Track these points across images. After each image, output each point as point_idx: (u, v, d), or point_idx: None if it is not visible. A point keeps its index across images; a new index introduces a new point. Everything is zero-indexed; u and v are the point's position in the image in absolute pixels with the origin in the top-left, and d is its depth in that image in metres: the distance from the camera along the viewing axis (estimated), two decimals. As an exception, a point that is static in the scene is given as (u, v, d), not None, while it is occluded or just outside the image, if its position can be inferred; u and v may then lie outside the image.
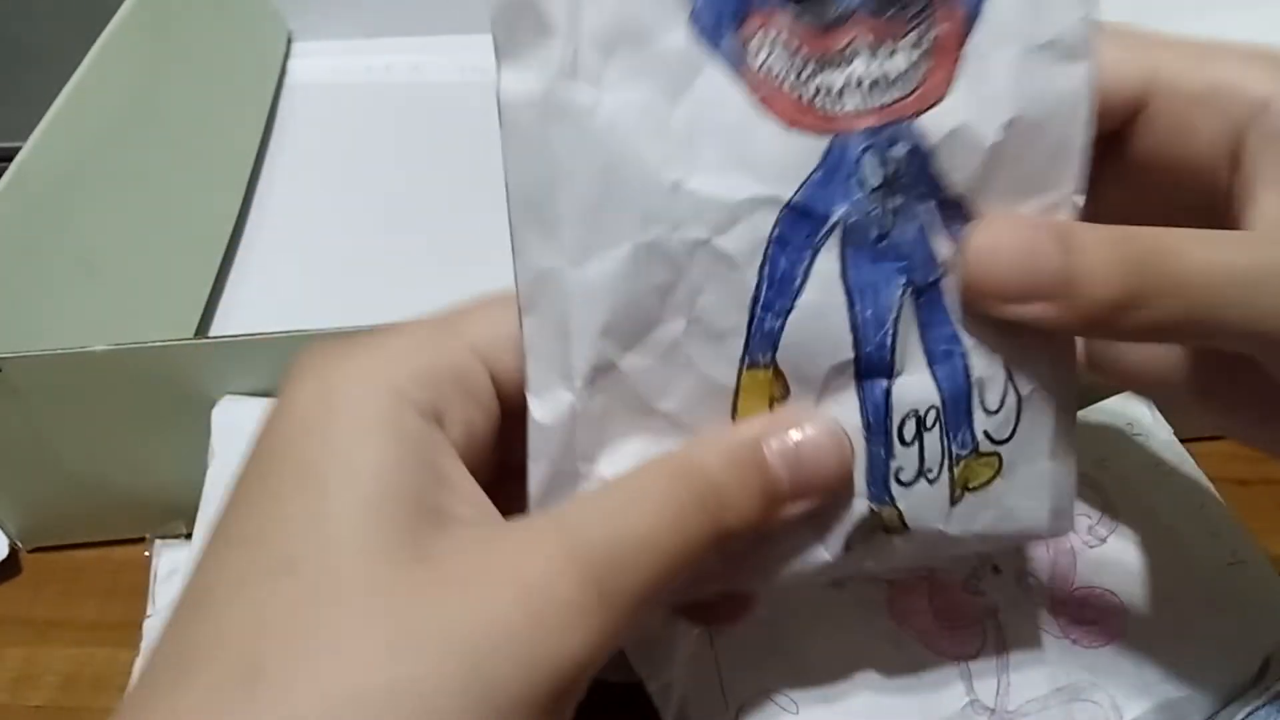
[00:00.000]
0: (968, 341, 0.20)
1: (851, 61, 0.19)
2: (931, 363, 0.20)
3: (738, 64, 0.18)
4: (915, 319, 0.20)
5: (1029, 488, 0.22)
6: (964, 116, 0.19)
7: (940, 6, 0.19)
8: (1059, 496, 0.22)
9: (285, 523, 0.17)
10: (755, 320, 0.19)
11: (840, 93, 0.19)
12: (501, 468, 0.20)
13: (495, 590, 0.16)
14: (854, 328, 0.20)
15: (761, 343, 0.20)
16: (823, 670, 0.26)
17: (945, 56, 0.19)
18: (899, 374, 0.20)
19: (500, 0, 0.18)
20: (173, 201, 0.46)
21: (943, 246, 0.20)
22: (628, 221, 0.19)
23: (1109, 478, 0.33)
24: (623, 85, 0.18)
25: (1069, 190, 0.20)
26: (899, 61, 0.19)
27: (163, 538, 0.34)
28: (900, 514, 0.21)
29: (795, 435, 0.19)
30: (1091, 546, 0.31)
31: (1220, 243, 0.19)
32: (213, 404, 0.33)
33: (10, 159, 0.37)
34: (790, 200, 0.19)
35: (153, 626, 0.32)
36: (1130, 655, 0.28)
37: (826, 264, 0.19)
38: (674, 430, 0.20)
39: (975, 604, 0.29)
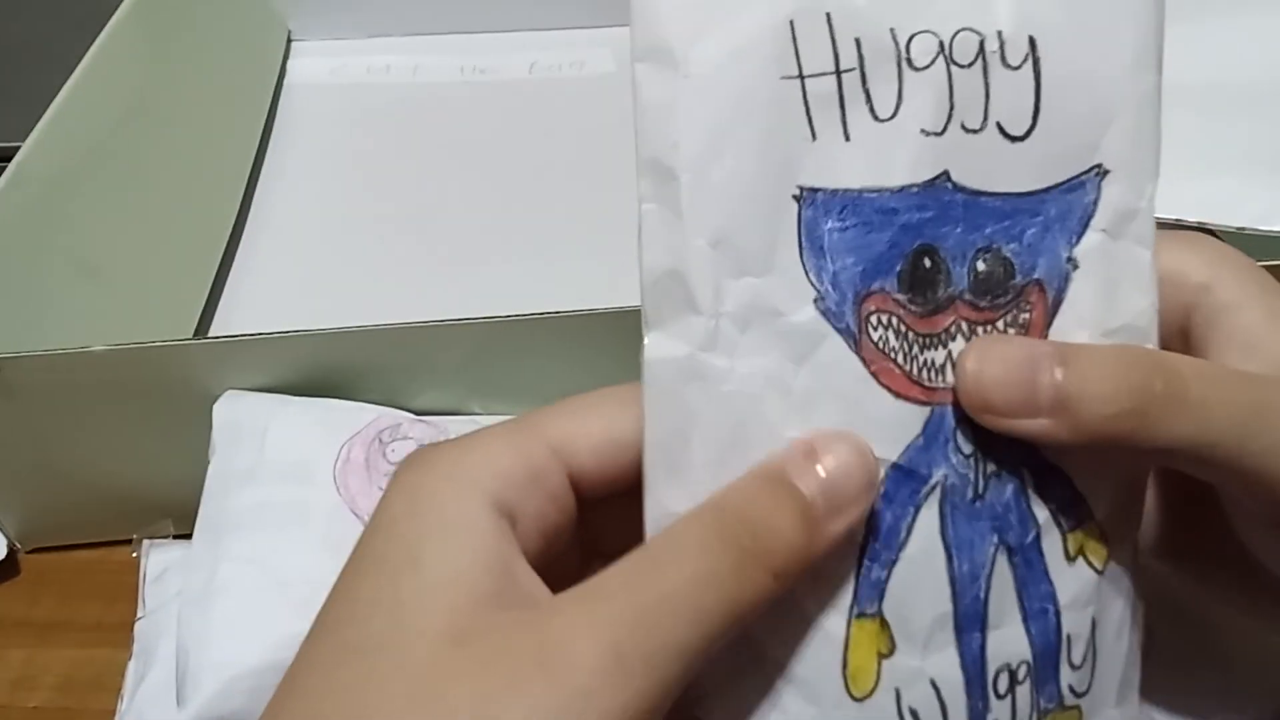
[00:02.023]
0: (1063, 599, 0.22)
1: (952, 341, 0.21)
2: (1026, 619, 0.22)
3: (856, 339, 0.21)
4: (1012, 575, 0.22)
5: None
6: None
7: (1030, 294, 0.21)
8: None
9: (365, 607, 0.19)
10: (863, 571, 0.21)
11: (942, 368, 0.21)
12: (583, 558, 0.22)
13: (523, 666, 0.17)
14: (952, 581, 0.21)
15: (869, 593, 0.21)
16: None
17: (1032, 337, 0.21)
18: (994, 628, 0.22)
19: (653, 277, 0.21)
20: (172, 201, 0.46)
21: (1039, 509, 0.22)
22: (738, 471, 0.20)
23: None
24: (753, 353, 0.20)
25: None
26: None
27: (151, 538, 0.34)
28: None
29: (817, 457, 0.20)
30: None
31: (1224, 373, 0.21)
32: (212, 404, 0.32)
33: (9, 159, 0.37)
34: (896, 461, 0.21)
35: (144, 629, 0.32)
36: (1155, 679, 0.28)
37: (927, 520, 0.21)
38: (785, 681, 0.21)
39: None
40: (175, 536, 0.35)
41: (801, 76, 0.20)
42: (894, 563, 0.21)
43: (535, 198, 0.52)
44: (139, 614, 0.32)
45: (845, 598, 0.21)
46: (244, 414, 0.32)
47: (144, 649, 0.31)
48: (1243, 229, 0.36)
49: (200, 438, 0.32)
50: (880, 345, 0.21)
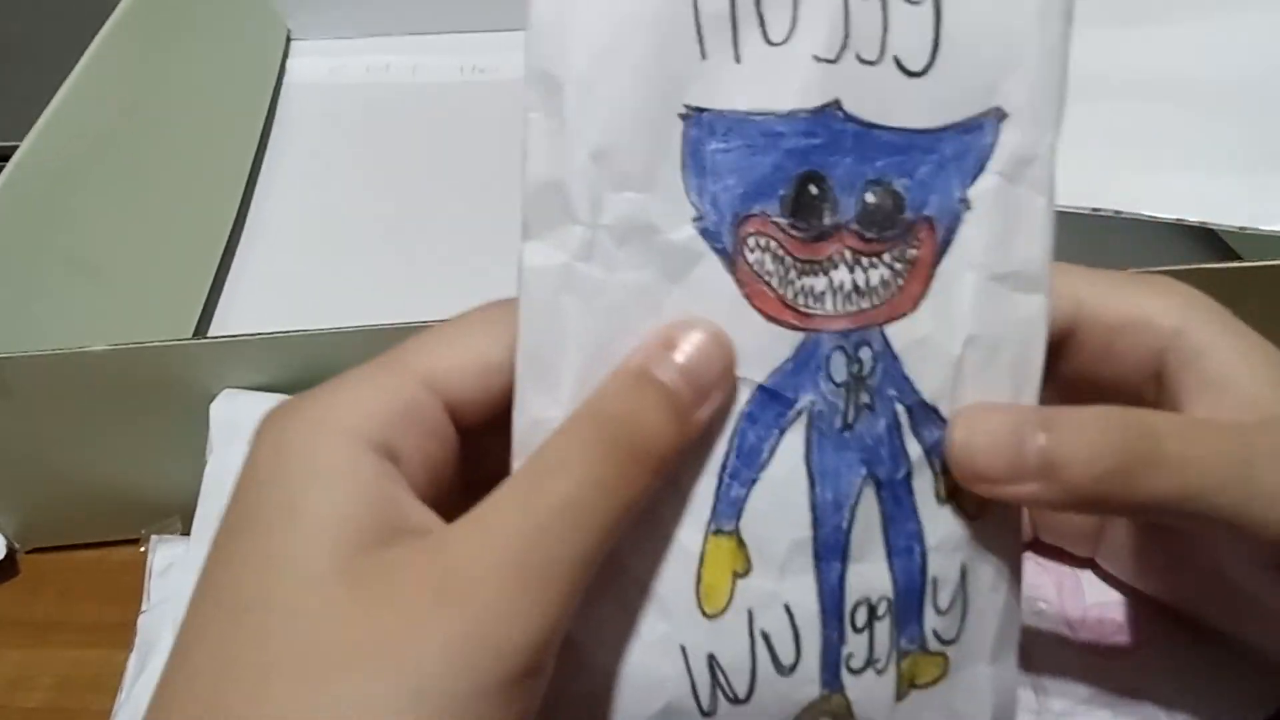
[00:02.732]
0: (930, 540, 0.22)
1: (833, 270, 0.21)
2: (890, 555, 0.22)
3: (732, 260, 0.20)
4: (879, 510, 0.21)
5: (972, 691, 0.23)
6: (928, 330, 0.21)
7: (919, 231, 0.21)
8: (1001, 704, 0.23)
9: (241, 568, 0.18)
10: (722, 486, 0.21)
11: (820, 296, 0.21)
12: (467, 487, 0.21)
13: (422, 598, 0.17)
14: (813, 507, 0.21)
15: (727, 510, 0.21)
16: None
17: (918, 275, 0.21)
18: (856, 560, 0.21)
19: (535, 186, 0.21)
20: (171, 201, 0.46)
21: (912, 446, 0.21)
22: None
23: None
24: (629, 268, 0.20)
25: (1029, 405, 0.22)
26: (876, 275, 0.21)
27: (158, 533, 0.34)
28: (849, 703, 0.22)
29: (674, 345, 0.20)
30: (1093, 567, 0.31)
31: (1202, 426, 0.21)
32: (211, 404, 0.32)
33: (9, 159, 0.37)
34: (762, 383, 0.21)
35: (147, 623, 0.32)
36: (1163, 663, 0.28)
37: (792, 444, 0.21)
38: (641, 595, 0.21)
39: None
40: (184, 532, 0.35)
41: None
42: (754, 482, 0.21)
43: (535, 197, 0.51)
44: (143, 607, 0.32)
45: (703, 513, 0.21)
46: (241, 413, 0.32)
47: (145, 642, 0.31)
48: (1243, 228, 0.36)
49: (199, 437, 0.32)
50: (756, 268, 0.20)
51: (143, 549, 0.34)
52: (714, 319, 0.20)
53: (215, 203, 0.50)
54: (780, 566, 0.21)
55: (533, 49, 0.21)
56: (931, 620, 0.22)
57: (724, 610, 0.21)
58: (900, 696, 0.22)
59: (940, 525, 0.22)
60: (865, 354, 0.21)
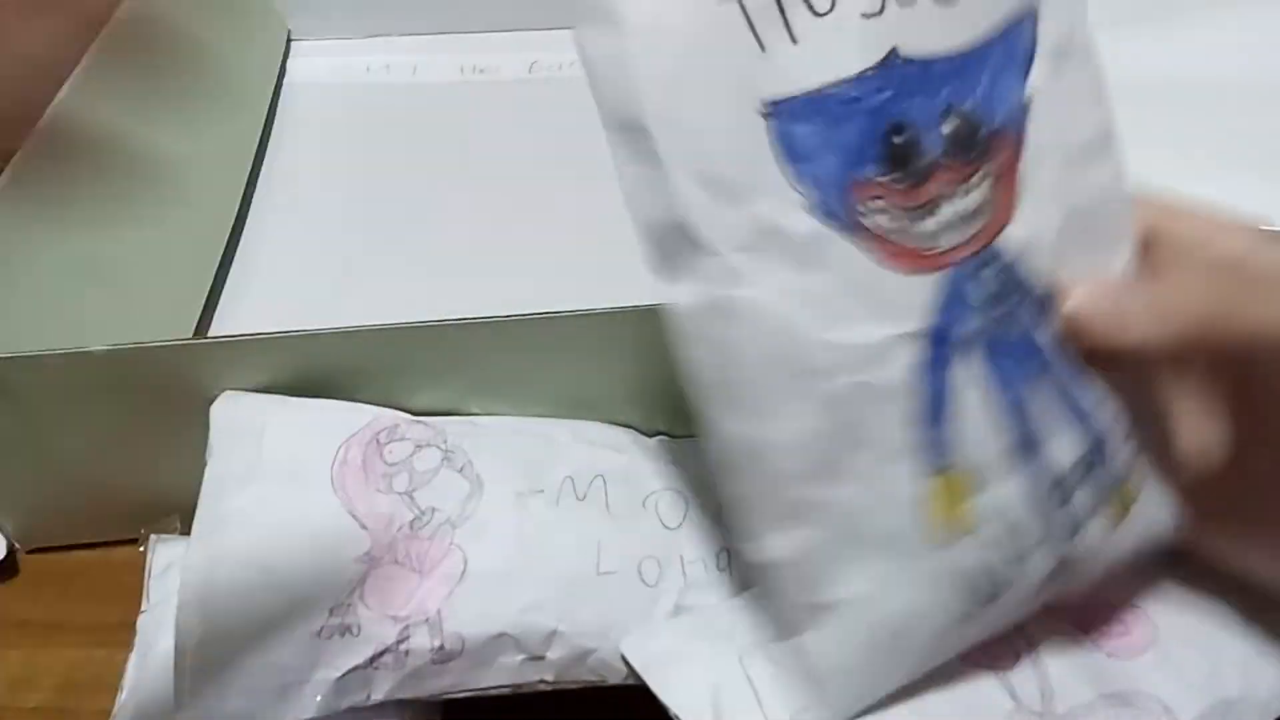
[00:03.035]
0: (1094, 401, 0.24)
1: (940, 207, 0.22)
2: (1073, 424, 0.24)
3: (854, 230, 0.21)
4: (1051, 394, 0.24)
5: (1157, 500, 0.26)
6: (1030, 227, 0.23)
7: (996, 143, 0.22)
8: (1171, 503, 0.27)
9: None
10: (925, 434, 0.23)
11: (936, 234, 0.22)
12: None
13: None
14: (1003, 416, 0.23)
15: (936, 452, 0.23)
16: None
17: (1007, 183, 0.22)
18: (1050, 440, 0.24)
19: (652, 232, 0.22)
20: (172, 201, 0.46)
21: (1047, 333, 0.23)
22: (797, 382, 0.22)
23: None
24: (768, 275, 0.21)
25: (1126, 258, 0.24)
26: (975, 197, 0.22)
27: (158, 533, 0.34)
28: (1077, 558, 0.25)
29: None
30: None
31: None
32: (211, 404, 0.32)
33: (9, 159, 0.37)
34: (922, 330, 0.22)
35: (147, 623, 0.32)
36: (1170, 660, 0.28)
37: (965, 373, 0.23)
38: (877, 547, 0.23)
39: None
40: (183, 532, 0.35)
41: None
42: (949, 419, 0.23)
43: (535, 198, 0.51)
44: (143, 607, 0.32)
45: (914, 463, 0.23)
46: (241, 415, 0.32)
47: (145, 642, 0.31)
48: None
49: (199, 437, 0.32)
50: (877, 230, 0.21)
51: (142, 549, 0.34)
52: (859, 288, 0.22)
53: (215, 203, 0.50)
54: (995, 477, 0.23)
55: (604, 103, 0.22)
56: (1117, 461, 0.24)
57: (960, 534, 0.23)
58: (1113, 530, 0.25)
59: (1095, 387, 0.24)
60: (989, 272, 0.22)
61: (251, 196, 0.52)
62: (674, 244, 0.22)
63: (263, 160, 0.54)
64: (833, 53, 0.21)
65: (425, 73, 0.61)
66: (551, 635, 0.29)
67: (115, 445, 0.34)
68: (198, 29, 0.53)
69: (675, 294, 0.22)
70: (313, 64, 0.62)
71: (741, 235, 0.21)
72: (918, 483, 0.23)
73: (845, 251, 0.21)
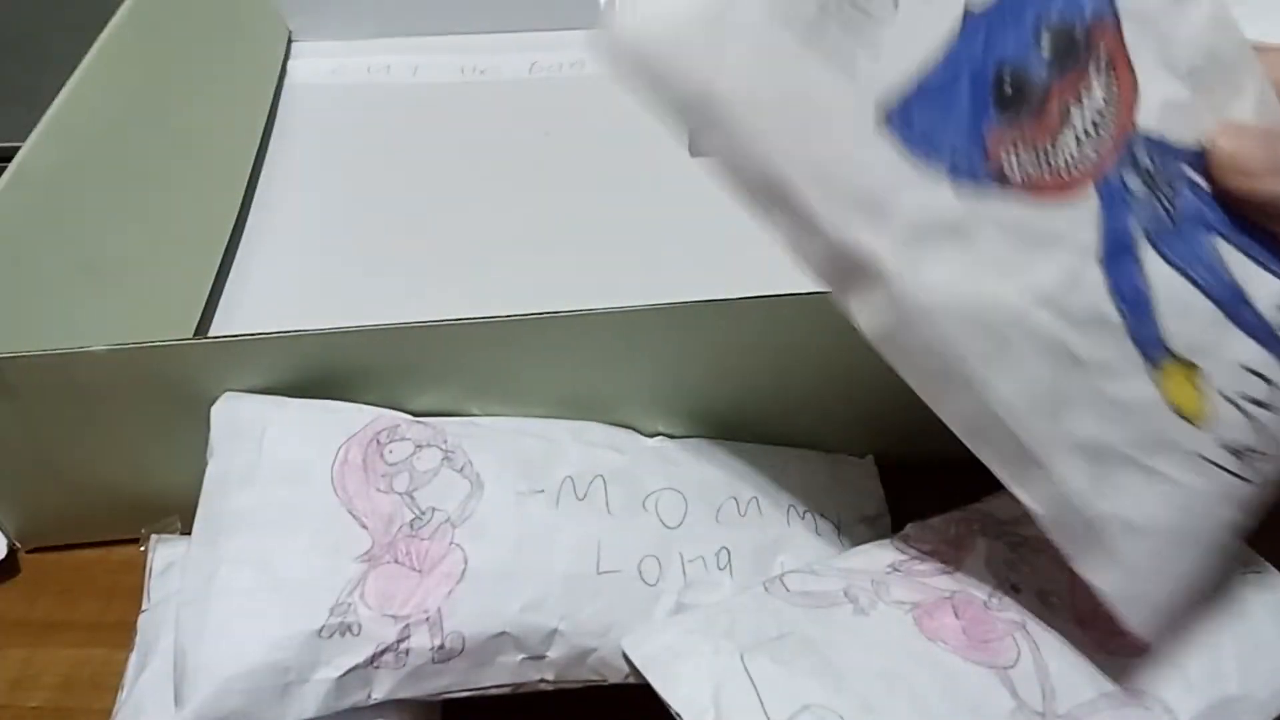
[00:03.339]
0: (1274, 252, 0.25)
1: (1070, 122, 0.22)
2: (1265, 267, 0.25)
3: (1003, 181, 0.22)
4: (1234, 251, 0.25)
5: None
6: (1159, 97, 0.23)
7: (1096, 36, 0.22)
8: None
9: None
10: (1137, 336, 0.24)
11: (1079, 148, 0.23)
12: None
13: None
14: (1203, 290, 0.24)
15: (1155, 348, 0.24)
16: (862, 686, 0.27)
17: (1121, 67, 0.23)
18: (1252, 291, 0.25)
19: (819, 266, 0.22)
20: (172, 201, 0.46)
21: (1210, 196, 0.24)
22: (1004, 343, 0.23)
23: None
24: (939, 262, 0.22)
25: (1259, 85, 0.24)
26: (1098, 97, 0.23)
27: (158, 533, 0.34)
28: None
29: None
30: None
31: None
32: (211, 404, 0.32)
33: (9, 159, 0.37)
34: (1099, 248, 0.23)
35: (147, 622, 0.32)
36: (1171, 659, 0.29)
37: (1154, 263, 0.24)
38: (1134, 460, 0.25)
39: (1002, 619, 0.29)
40: (183, 532, 0.35)
41: (809, 28, 0.21)
42: (1154, 311, 0.24)
43: (535, 198, 0.52)
44: (144, 607, 0.32)
45: (1140, 365, 0.24)
46: (242, 415, 0.32)
47: (145, 642, 0.31)
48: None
49: (200, 437, 0.32)
50: (1024, 173, 0.22)
51: (142, 549, 0.34)
52: (1029, 236, 0.22)
53: (216, 203, 0.50)
54: (1216, 346, 0.24)
55: (732, 175, 0.22)
56: None
57: (1204, 413, 0.25)
58: None
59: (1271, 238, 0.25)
60: (1139, 157, 0.23)
61: (251, 196, 0.52)
62: (847, 274, 0.22)
63: (263, 160, 0.54)
64: (911, 42, 0.21)
65: (426, 73, 0.61)
66: (552, 634, 0.29)
67: (115, 445, 0.34)
68: (198, 29, 0.53)
69: (864, 317, 0.23)
70: (313, 64, 0.62)
71: (903, 238, 0.22)
72: (1150, 384, 0.24)
73: (1000, 205, 0.22)
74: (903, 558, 0.31)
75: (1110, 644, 0.29)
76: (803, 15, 0.21)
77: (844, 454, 0.39)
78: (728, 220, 0.51)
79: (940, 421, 0.40)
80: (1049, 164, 0.22)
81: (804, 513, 0.35)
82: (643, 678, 0.28)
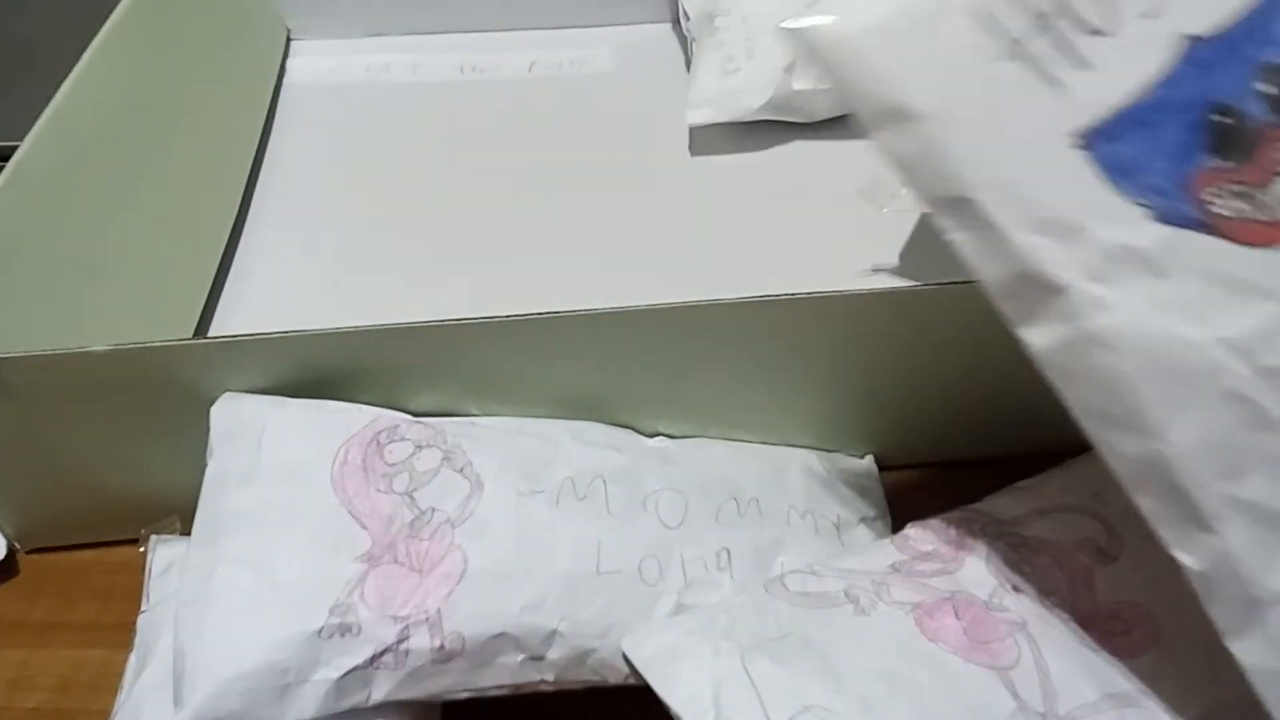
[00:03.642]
0: None
1: None
2: None
3: (1205, 224, 0.21)
4: None
5: None
6: None
7: None
8: None
9: None
10: None
11: None
12: None
13: None
14: None
15: None
16: (863, 687, 0.27)
17: None
18: None
19: (1003, 287, 0.22)
20: (172, 201, 0.46)
21: None
22: (1189, 387, 0.22)
23: (1107, 508, 0.33)
24: (1130, 292, 0.21)
25: None
26: None
27: (157, 533, 0.34)
28: None
29: None
30: (1104, 564, 0.31)
31: None
32: (211, 404, 0.32)
33: (8, 158, 0.37)
34: None
35: (147, 623, 0.32)
36: (1172, 660, 0.28)
37: None
38: None
39: (1002, 619, 0.29)
40: (183, 532, 0.35)
41: (1015, 42, 0.21)
42: None
43: (535, 197, 0.51)
44: (143, 608, 0.32)
45: None
46: (241, 416, 0.32)
47: (145, 642, 0.31)
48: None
49: (199, 437, 0.32)
50: (1228, 214, 0.22)
51: (142, 549, 0.34)
52: (1226, 280, 0.22)
53: (215, 203, 0.50)
54: None
55: (922, 188, 0.22)
56: None
57: None
58: None
59: None
60: None
61: (251, 196, 0.52)
62: (1028, 293, 0.22)
63: (263, 160, 0.54)
64: (1126, 66, 0.21)
65: (425, 72, 0.61)
66: (552, 635, 0.29)
67: (115, 445, 0.34)
68: (196, 28, 0.53)
69: (1039, 337, 0.23)
70: (313, 64, 0.62)
71: (1093, 264, 0.21)
72: None
73: (1201, 246, 0.21)
74: (903, 558, 0.31)
75: (1111, 644, 0.29)
76: (1012, 28, 0.21)
77: (844, 454, 0.39)
78: (727, 220, 0.51)
79: (940, 422, 0.40)
80: (1258, 208, 0.22)
81: (804, 513, 0.35)
82: (643, 679, 0.28)
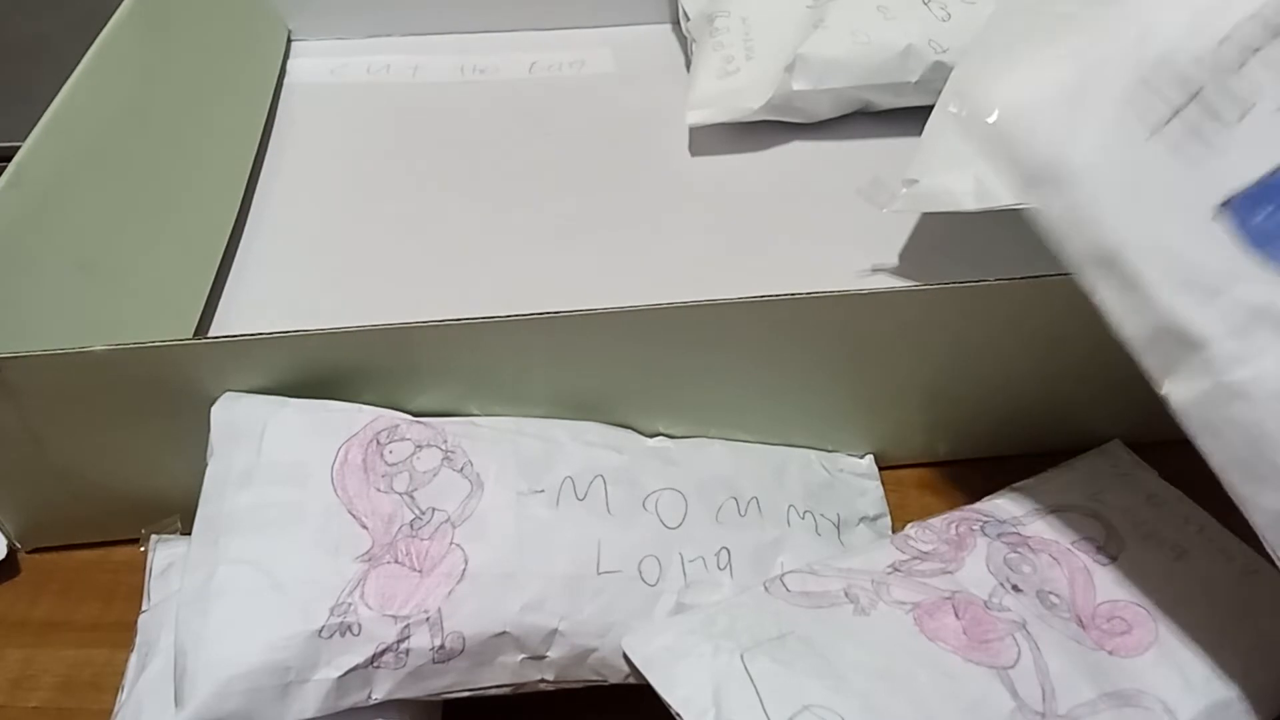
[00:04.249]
0: None
1: None
2: None
3: None
4: None
5: None
6: None
7: None
8: None
9: None
10: None
11: None
12: None
13: None
14: None
15: None
16: (863, 685, 0.27)
17: None
18: None
19: (1146, 343, 0.23)
20: (172, 201, 0.46)
21: None
22: None
23: (1106, 508, 0.33)
24: (1268, 349, 0.22)
25: None
26: None
27: (158, 533, 0.34)
28: None
29: None
30: (1104, 564, 0.31)
31: None
32: (212, 404, 0.32)
33: (9, 159, 0.37)
34: None
35: (147, 623, 0.32)
36: (1171, 660, 0.29)
37: None
38: None
39: (1002, 619, 0.29)
40: (184, 532, 0.35)
41: (1165, 113, 0.22)
42: None
43: (535, 198, 0.52)
44: (144, 607, 0.32)
45: None
46: (241, 416, 0.32)
47: (146, 641, 0.31)
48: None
49: (199, 437, 0.32)
50: None
51: (142, 549, 0.34)
52: None
53: (216, 203, 0.50)
54: None
55: (1071, 248, 0.23)
56: None
57: None
58: None
59: None
60: None
61: (252, 196, 0.52)
62: (1170, 349, 0.23)
63: (263, 160, 0.54)
64: (1268, 140, 0.22)
65: (425, 73, 0.61)
66: (552, 634, 0.29)
67: (115, 445, 0.34)
68: (197, 29, 0.53)
69: (1180, 391, 0.23)
70: (313, 64, 0.62)
71: (1233, 322, 0.22)
72: None
73: None
74: (903, 557, 0.31)
75: (1110, 644, 0.29)
76: (1161, 100, 0.22)
77: (844, 454, 0.39)
78: (727, 220, 0.51)
79: (940, 422, 0.40)
80: None
81: (804, 513, 0.35)
82: (643, 678, 0.28)
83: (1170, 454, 0.37)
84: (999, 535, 0.32)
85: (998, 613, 0.29)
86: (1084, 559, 0.31)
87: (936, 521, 0.33)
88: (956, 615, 0.29)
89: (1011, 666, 0.28)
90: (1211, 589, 0.31)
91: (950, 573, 0.30)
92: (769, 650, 0.27)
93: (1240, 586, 0.31)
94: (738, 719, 0.26)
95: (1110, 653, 0.29)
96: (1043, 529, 0.32)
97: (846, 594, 0.29)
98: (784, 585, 0.30)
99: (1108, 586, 0.30)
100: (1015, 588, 0.30)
